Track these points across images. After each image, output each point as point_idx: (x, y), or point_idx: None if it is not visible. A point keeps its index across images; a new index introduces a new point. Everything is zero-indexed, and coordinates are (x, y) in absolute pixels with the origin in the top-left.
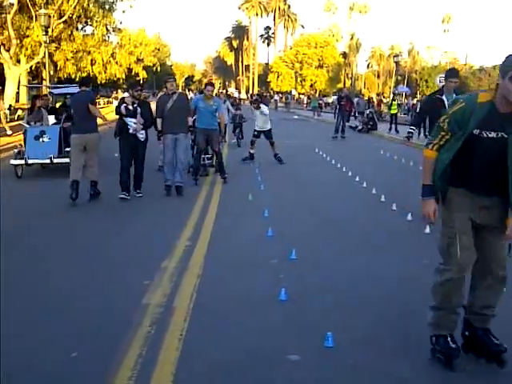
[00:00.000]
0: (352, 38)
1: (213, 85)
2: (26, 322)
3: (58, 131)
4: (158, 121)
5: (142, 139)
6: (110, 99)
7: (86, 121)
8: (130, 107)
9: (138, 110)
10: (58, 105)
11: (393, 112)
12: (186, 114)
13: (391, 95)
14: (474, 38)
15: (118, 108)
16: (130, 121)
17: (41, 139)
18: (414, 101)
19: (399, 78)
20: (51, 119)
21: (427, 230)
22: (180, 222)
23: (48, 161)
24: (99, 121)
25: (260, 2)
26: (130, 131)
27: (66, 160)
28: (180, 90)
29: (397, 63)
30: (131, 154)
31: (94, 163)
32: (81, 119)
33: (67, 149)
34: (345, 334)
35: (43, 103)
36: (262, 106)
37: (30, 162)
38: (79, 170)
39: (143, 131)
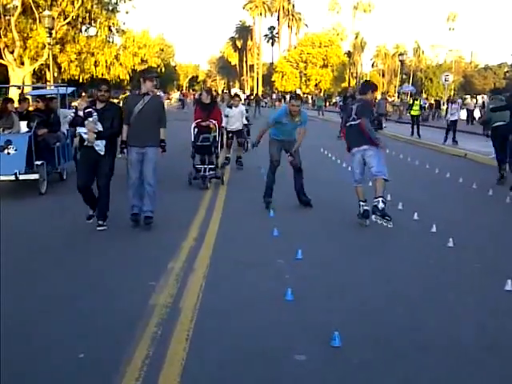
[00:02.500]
0: (356, 37)
1: (300, 98)
2: (33, 323)
3: (26, 141)
4: (124, 128)
5: (101, 152)
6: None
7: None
8: (80, 113)
9: (94, 115)
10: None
11: (414, 114)
12: (157, 123)
13: (398, 94)
14: (479, 37)
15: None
16: (81, 130)
17: (6, 150)
18: (432, 100)
19: (404, 76)
20: (23, 126)
21: (434, 229)
22: (185, 222)
23: (13, 177)
24: None
25: (264, 2)
26: (85, 143)
27: (36, 176)
28: (158, 92)
29: (402, 62)
30: (90, 172)
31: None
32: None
33: (37, 162)
34: (351, 334)
35: (21, 107)
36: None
37: None
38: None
39: (100, 142)
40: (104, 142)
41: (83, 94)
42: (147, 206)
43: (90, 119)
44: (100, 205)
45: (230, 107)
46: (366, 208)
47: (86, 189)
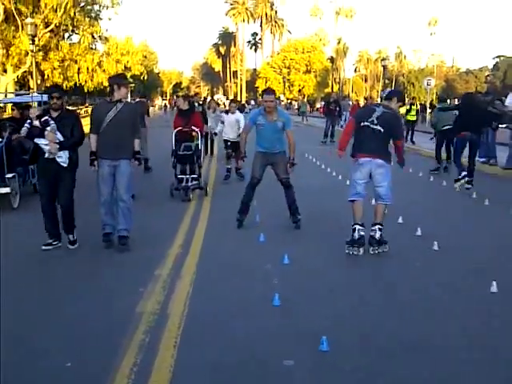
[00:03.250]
0: (339, 43)
1: (273, 92)
2: (18, 331)
3: None
4: (93, 138)
5: (64, 164)
6: None
7: None
8: (37, 123)
9: (51, 123)
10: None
11: (410, 119)
12: (132, 133)
13: (381, 99)
14: (460, 41)
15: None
16: (40, 142)
17: None
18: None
19: (387, 81)
20: None
21: (418, 232)
22: (172, 229)
23: None
24: None
25: (247, 9)
26: (46, 155)
27: (7, 190)
28: (137, 99)
29: (384, 67)
30: (52, 187)
31: None
32: None
33: (9, 175)
34: (339, 338)
35: None
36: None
37: None
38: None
39: (63, 153)
40: (67, 152)
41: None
42: (122, 225)
43: (49, 128)
44: (65, 220)
45: (227, 113)
46: (362, 234)
47: (50, 207)
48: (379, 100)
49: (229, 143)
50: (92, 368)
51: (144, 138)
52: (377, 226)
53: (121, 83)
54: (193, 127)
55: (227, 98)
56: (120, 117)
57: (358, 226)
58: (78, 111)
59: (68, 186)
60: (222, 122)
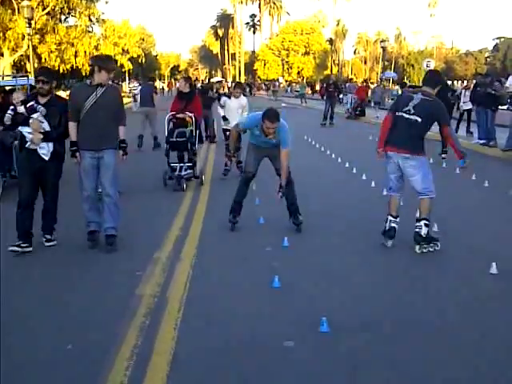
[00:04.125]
0: (338, 24)
1: (278, 119)
2: (18, 316)
3: None
4: (72, 126)
5: (45, 157)
6: None
7: None
8: (22, 109)
9: (41, 109)
10: None
11: None
12: (115, 120)
13: (381, 81)
14: (460, 22)
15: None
16: (24, 130)
17: None
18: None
19: (386, 63)
20: None
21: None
22: (171, 212)
23: None
24: None
25: None
26: (28, 145)
27: None
28: (111, 83)
29: (383, 49)
30: (35, 183)
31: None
32: None
33: None
34: (339, 320)
35: None
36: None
37: None
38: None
39: (46, 144)
40: (51, 145)
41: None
42: (108, 223)
43: (35, 116)
44: (45, 217)
45: (229, 97)
46: (393, 225)
47: (28, 205)
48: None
49: (228, 133)
50: (93, 350)
51: (153, 117)
52: (422, 222)
53: (102, 66)
54: (187, 112)
55: (226, 81)
56: (101, 102)
57: (390, 217)
58: None
59: (52, 180)
60: (222, 107)
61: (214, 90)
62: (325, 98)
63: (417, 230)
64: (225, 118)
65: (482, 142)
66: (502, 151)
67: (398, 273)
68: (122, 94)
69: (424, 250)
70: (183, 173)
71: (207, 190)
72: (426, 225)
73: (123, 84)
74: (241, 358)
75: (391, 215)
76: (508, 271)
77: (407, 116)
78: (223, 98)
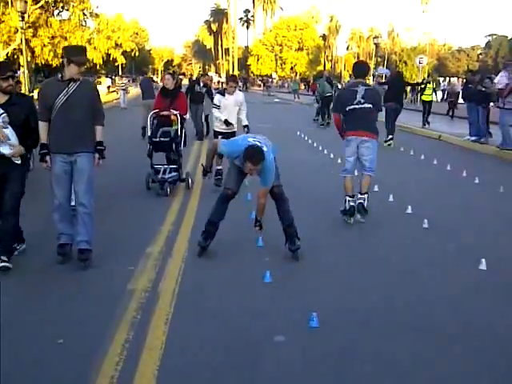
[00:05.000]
0: (331, 20)
1: (261, 160)
2: (8, 311)
3: None
4: (41, 126)
5: (11, 157)
6: None
7: None
8: None
9: (2, 115)
10: None
11: (426, 99)
12: (91, 119)
13: (426, 77)
14: (452, 19)
15: None
16: None
17: None
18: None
19: (379, 59)
20: None
21: (409, 210)
22: (162, 208)
23: None
24: None
25: None
26: None
27: None
28: (86, 78)
29: (376, 45)
30: None
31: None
32: None
33: None
34: (330, 315)
35: None
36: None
37: None
38: None
39: (8, 147)
40: (14, 137)
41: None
42: (81, 236)
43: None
44: (4, 235)
45: (223, 94)
46: (352, 204)
47: None
48: (371, 78)
49: (221, 136)
50: (84, 344)
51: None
52: (365, 195)
53: (71, 58)
54: (172, 110)
55: (219, 76)
56: (74, 99)
57: (348, 198)
58: None
59: (13, 190)
60: (217, 107)
61: (202, 84)
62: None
63: (361, 201)
64: (227, 123)
65: (473, 138)
66: (500, 149)
67: (388, 268)
68: (113, 89)
69: (361, 220)
70: (167, 175)
71: (197, 193)
72: (367, 198)
73: (116, 78)
74: (232, 352)
75: (349, 196)
76: (497, 267)
77: (360, 106)
78: (217, 97)
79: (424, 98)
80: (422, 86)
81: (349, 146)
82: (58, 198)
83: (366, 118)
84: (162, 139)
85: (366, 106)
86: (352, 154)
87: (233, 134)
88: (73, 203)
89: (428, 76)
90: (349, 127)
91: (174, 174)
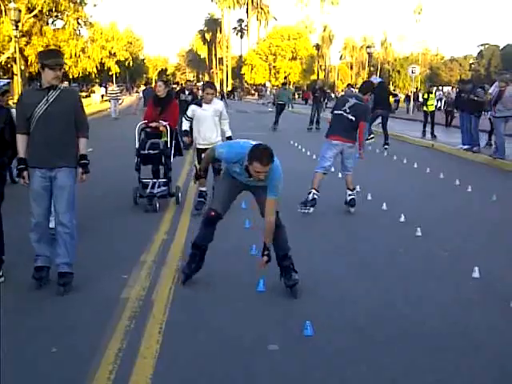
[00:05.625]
0: (325, 30)
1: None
2: (3, 315)
3: None
4: (20, 139)
5: None
6: (83, 94)
7: None
8: None
9: None
10: None
11: (429, 109)
12: (73, 131)
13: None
14: (445, 29)
15: None
16: None
17: None
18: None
19: (372, 69)
20: None
21: (402, 218)
22: (156, 217)
23: None
24: None
25: None
26: None
27: None
28: (68, 86)
29: (369, 54)
30: None
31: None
32: None
33: None
34: (324, 323)
35: None
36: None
37: None
38: None
39: None
40: None
41: None
42: (61, 258)
43: None
44: None
45: (200, 105)
46: (315, 197)
47: None
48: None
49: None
50: (77, 353)
51: None
52: (354, 191)
53: (43, 63)
54: (161, 121)
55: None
56: (54, 109)
57: (314, 191)
58: None
59: None
60: (189, 119)
61: (187, 92)
62: (311, 103)
63: (353, 197)
64: (186, 132)
65: (465, 147)
66: (493, 158)
67: (381, 276)
68: (106, 98)
69: (353, 210)
70: (156, 190)
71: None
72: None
73: (110, 87)
74: (226, 361)
75: (315, 189)
76: (490, 275)
77: (345, 114)
78: (191, 108)
79: (428, 108)
80: (426, 97)
81: (333, 149)
82: (35, 216)
83: (348, 126)
84: (150, 152)
85: (350, 116)
86: (333, 155)
87: None
88: (51, 225)
89: (430, 86)
90: (333, 131)
91: (163, 188)
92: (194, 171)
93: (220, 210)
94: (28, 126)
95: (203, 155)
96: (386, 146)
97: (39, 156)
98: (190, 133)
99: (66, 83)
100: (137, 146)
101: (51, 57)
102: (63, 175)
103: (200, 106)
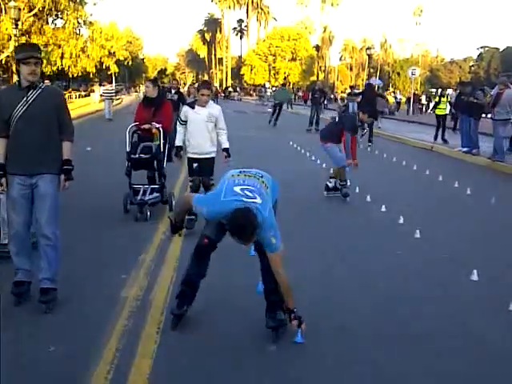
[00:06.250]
0: (325, 31)
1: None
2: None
3: None
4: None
5: None
6: (82, 93)
7: None
8: None
9: None
10: None
11: (440, 113)
12: (56, 134)
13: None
14: (445, 31)
15: None
16: None
17: None
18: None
19: (372, 70)
20: None
21: (401, 220)
22: (154, 215)
23: None
24: None
25: None
26: None
27: None
28: (49, 84)
29: (369, 56)
30: None
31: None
32: None
33: None
34: (317, 325)
35: None
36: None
37: None
38: None
39: None
40: None
41: None
42: (44, 273)
43: None
44: None
45: (192, 107)
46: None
47: None
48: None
49: (195, 164)
50: (74, 352)
51: None
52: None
53: (16, 58)
54: (153, 123)
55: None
56: (35, 110)
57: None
58: None
59: None
60: (183, 123)
61: (173, 91)
62: (310, 104)
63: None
64: (178, 149)
65: (464, 149)
66: (492, 161)
67: (379, 278)
68: (117, 96)
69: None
70: (147, 197)
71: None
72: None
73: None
74: (224, 361)
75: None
76: (488, 278)
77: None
78: (184, 110)
79: (438, 112)
80: (437, 100)
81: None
82: (14, 226)
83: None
84: (142, 156)
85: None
86: None
87: (210, 161)
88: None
89: (442, 90)
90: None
91: (155, 194)
92: (169, 222)
93: (214, 235)
94: (7, 128)
95: (194, 163)
96: (369, 144)
97: (18, 162)
98: (181, 149)
99: (47, 82)
100: (127, 149)
101: (24, 50)
102: (45, 183)
103: (193, 107)
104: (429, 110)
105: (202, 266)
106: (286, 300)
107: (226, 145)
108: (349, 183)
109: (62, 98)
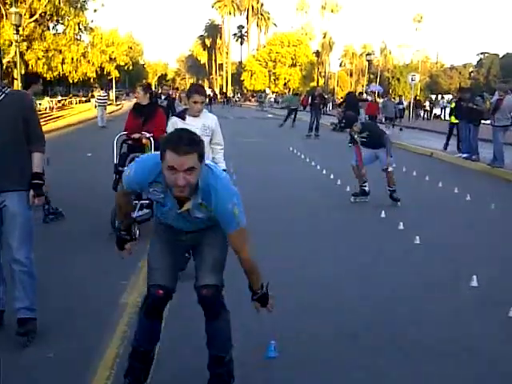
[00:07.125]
0: (325, 37)
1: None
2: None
3: None
4: None
5: None
6: (82, 98)
7: None
8: None
9: None
10: None
11: (454, 120)
12: (23, 144)
13: (366, 94)
14: (445, 37)
15: None
16: None
17: None
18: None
19: (371, 76)
20: None
21: (401, 226)
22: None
23: None
24: None
25: (233, 1)
26: None
27: None
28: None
29: (369, 62)
30: None
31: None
32: None
33: None
34: (321, 331)
35: None
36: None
37: None
38: None
39: None
40: None
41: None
42: (20, 302)
43: None
44: None
45: (183, 117)
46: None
47: None
48: (364, 95)
49: None
50: (74, 359)
51: None
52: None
53: None
54: (144, 132)
55: (212, 91)
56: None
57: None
58: (62, 102)
59: None
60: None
61: (163, 97)
62: (310, 109)
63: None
64: None
65: (464, 156)
66: (492, 167)
67: (378, 283)
68: (109, 103)
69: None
70: (136, 214)
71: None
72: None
73: (110, 92)
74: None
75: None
76: (488, 284)
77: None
78: (171, 122)
79: (453, 119)
80: (452, 106)
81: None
82: None
83: None
84: None
85: None
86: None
87: None
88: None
89: (457, 96)
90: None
91: (145, 211)
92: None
93: (165, 282)
94: None
95: None
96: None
97: None
98: None
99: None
100: (115, 161)
101: None
102: (14, 201)
103: (183, 118)
104: (442, 117)
105: (155, 327)
106: (250, 280)
107: (222, 165)
108: (349, 188)
109: (29, 103)
